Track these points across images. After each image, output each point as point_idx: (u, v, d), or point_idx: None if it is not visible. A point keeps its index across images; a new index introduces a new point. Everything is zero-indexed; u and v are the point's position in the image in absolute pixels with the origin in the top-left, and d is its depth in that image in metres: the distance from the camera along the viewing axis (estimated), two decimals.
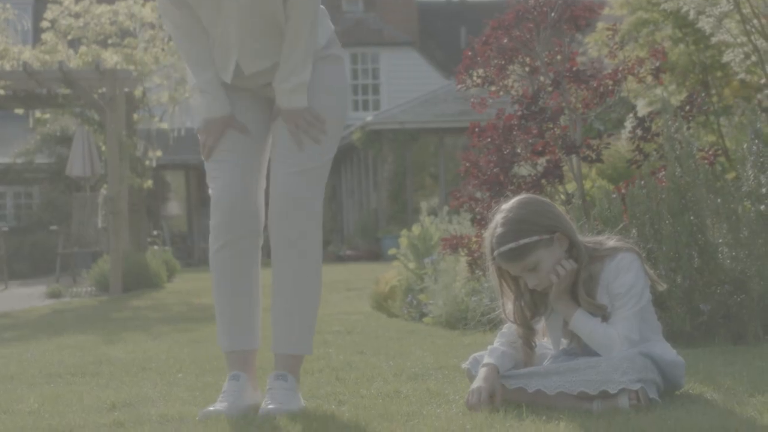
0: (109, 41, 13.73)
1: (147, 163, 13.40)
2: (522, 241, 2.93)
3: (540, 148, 5.28)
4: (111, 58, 12.86)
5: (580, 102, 5.32)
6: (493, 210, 3.08)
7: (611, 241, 3.07)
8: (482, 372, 2.97)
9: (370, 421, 2.80)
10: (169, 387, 3.66)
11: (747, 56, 7.91)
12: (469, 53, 5.55)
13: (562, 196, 5.33)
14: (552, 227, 2.97)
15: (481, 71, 5.52)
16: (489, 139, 5.34)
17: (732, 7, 7.25)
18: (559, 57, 5.42)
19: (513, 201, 3.03)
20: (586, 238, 3.10)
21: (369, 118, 21.65)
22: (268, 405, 3.02)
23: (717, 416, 2.65)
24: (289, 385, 3.10)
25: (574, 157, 5.33)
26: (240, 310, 3.23)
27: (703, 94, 5.29)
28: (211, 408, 3.03)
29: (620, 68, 5.21)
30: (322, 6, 3.24)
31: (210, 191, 3.25)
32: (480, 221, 5.32)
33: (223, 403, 3.06)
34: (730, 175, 7.60)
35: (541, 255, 2.94)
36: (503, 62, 5.46)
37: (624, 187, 5.08)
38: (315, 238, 3.20)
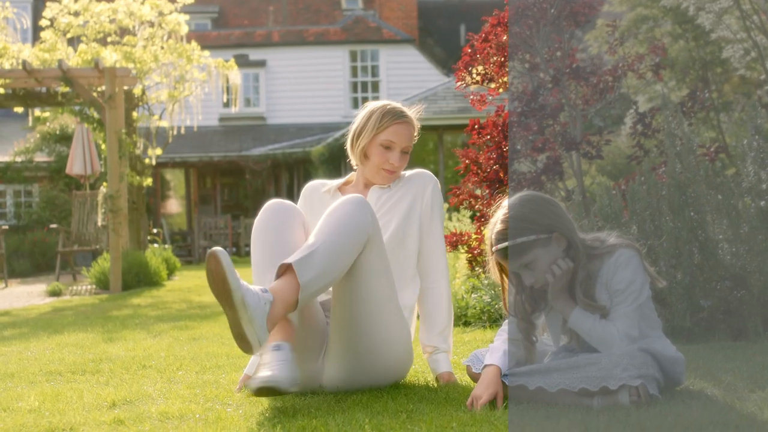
0: (109, 39, 13.73)
1: (146, 161, 13.37)
2: (518, 240, 2.93)
3: (540, 145, 5.28)
4: (110, 56, 12.84)
5: (580, 98, 5.32)
6: (495, 205, 3.08)
7: (611, 237, 3.06)
8: (485, 375, 2.96)
9: (370, 417, 2.80)
10: (169, 385, 3.66)
11: (747, 52, 7.91)
12: (469, 50, 5.55)
13: (562, 193, 5.33)
14: (550, 227, 2.96)
15: (480, 68, 5.52)
16: (489, 136, 5.34)
17: (732, 3, 7.25)
18: (558, 53, 5.42)
19: (515, 197, 3.03)
20: (587, 235, 3.09)
21: None
22: (259, 374, 2.92)
23: (717, 412, 2.64)
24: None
25: (574, 154, 5.32)
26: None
27: (705, 91, 5.28)
28: (258, 375, 2.90)
29: (620, 64, 5.21)
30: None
31: None
32: (480, 218, 5.32)
33: (267, 373, 2.90)
34: (731, 171, 7.60)
35: (538, 254, 2.94)
36: (503, 59, 5.46)
37: (624, 183, 5.08)
38: None
